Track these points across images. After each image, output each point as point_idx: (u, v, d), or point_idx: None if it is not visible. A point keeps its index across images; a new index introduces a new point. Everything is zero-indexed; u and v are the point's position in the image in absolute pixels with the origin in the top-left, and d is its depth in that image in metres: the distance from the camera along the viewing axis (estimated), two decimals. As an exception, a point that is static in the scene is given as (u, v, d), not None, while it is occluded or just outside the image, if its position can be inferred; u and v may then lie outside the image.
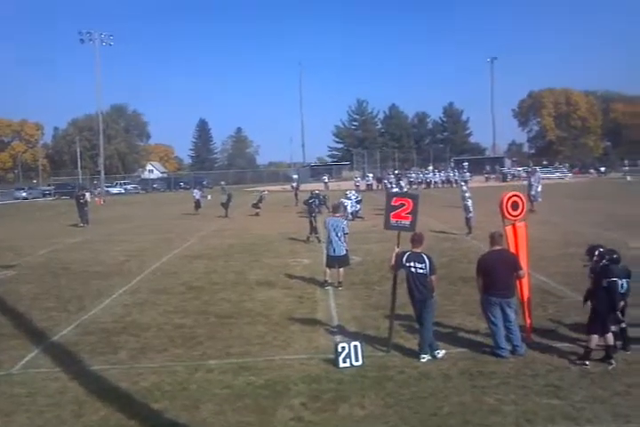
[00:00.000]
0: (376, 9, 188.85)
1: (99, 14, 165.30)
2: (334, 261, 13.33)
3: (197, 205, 35.73)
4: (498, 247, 8.64)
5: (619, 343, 8.38)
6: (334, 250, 13.32)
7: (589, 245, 8.28)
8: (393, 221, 9.03)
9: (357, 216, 28.07)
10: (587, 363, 7.86)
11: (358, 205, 28.74)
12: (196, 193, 36.72)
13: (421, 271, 8.46)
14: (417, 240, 8.72)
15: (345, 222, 13.86)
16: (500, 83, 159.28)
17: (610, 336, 7.97)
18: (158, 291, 13.46)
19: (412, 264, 8.52)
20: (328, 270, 13.43)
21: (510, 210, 9.05)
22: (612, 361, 7.85)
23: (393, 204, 9.08)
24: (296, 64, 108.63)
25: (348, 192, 29.81)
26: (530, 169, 47.60)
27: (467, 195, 21.90)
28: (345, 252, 13.45)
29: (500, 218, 9.25)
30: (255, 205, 33.23)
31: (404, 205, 9.00)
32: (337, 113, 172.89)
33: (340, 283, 13.23)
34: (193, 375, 8.07)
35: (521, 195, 9.25)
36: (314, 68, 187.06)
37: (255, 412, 6.76)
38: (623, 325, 8.54)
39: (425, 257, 8.53)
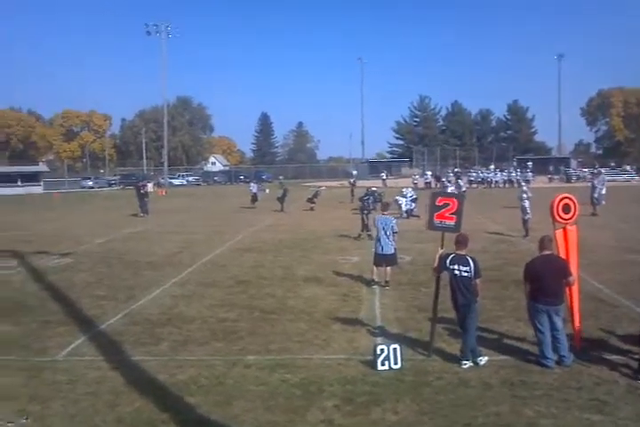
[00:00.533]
0: (439, 6, 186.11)
1: (165, 6, 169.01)
2: (382, 259, 13.18)
3: (254, 198, 36.09)
4: (547, 252, 8.32)
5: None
6: (382, 248, 13.15)
7: None
8: (437, 221, 8.81)
9: (412, 215, 27.72)
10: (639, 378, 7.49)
11: (413, 204, 28.34)
12: (253, 187, 37.14)
13: (465, 274, 8.23)
14: (461, 242, 8.50)
15: (395, 221, 13.60)
16: (568, 80, 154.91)
17: None
18: (207, 284, 13.61)
19: (455, 267, 8.30)
20: (375, 269, 13.30)
21: (562, 213, 8.68)
22: None
23: (437, 204, 8.85)
24: (359, 59, 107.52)
25: (403, 189, 29.48)
26: (595, 171, 46.07)
27: (524, 195, 21.33)
28: (393, 251, 13.26)
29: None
30: (310, 200, 33.38)
31: (448, 204, 8.77)
32: (399, 109, 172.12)
33: (386, 282, 13.09)
34: (230, 370, 8.10)
35: (573, 197, 8.85)
36: (376, 63, 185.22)
37: (286, 411, 6.72)
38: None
39: (470, 259, 8.30)
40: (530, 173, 59.79)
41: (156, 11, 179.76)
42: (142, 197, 31.52)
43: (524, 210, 20.91)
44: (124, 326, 10.34)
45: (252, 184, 38.41)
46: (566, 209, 8.70)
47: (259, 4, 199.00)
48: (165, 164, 79.18)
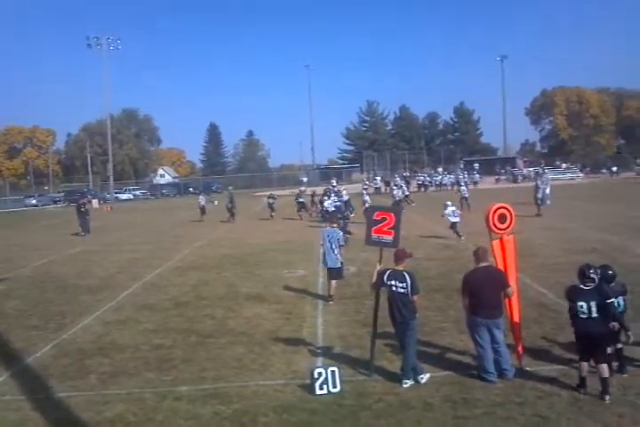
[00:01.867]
0: (383, 8, 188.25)
1: (105, 18, 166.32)
2: (331, 273, 12.95)
3: (203, 211, 35.51)
4: (484, 264, 8.12)
5: (615, 365, 7.85)
6: (328, 262, 12.95)
7: (579, 266, 7.64)
8: (374, 236, 8.56)
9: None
10: (581, 391, 7.31)
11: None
12: (202, 199, 36.53)
13: (402, 291, 7.97)
14: (399, 257, 8.24)
15: (340, 234, 13.41)
16: (511, 82, 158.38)
17: (602, 367, 7.24)
18: (143, 307, 13.07)
19: (392, 282, 8.04)
20: (333, 283, 12.92)
21: (497, 223, 8.49)
22: (607, 397, 7.11)
23: (375, 218, 8.61)
24: (305, 66, 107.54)
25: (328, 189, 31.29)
26: (539, 171, 46.93)
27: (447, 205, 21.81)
28: (339, 265, 13.02)
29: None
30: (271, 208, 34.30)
31: (385, 219, 8.52)
32: (347, 115, 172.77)
33: (330, 296, 12.79)
34: (160, 404, 7.65)
35: (509, 207, 8.68)
36: (323, 70, 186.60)
37: (215, 449, 6.32)
38: (619, 345, 7.99)
39: (407, 275, 8.03)
40: (477, 175, 60.59)
41: (95, 23, 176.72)
42: (83, 215, 30.56)
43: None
44: (51, 359, 9.76)
45: (200, 197, 37.82)
46: (502, 219, 8.50)
47: (202, 12, 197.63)
48: (111, 178, 77.50)
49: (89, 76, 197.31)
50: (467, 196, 33.31)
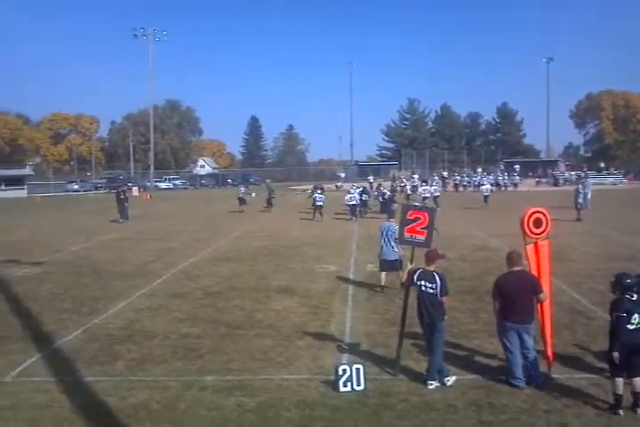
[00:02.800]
0: (431, 7, 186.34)
1: (152, 9, 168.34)
2: (387, 265, 13.38)
3: (242, 201, 36.17)
4: (517, 268, 7.96)
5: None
6: (384, 254, 13.41)
7: (616, 276, 7.41)
8: (407, 235, 8.48)
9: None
10: (619, 413, 6.92)
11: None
12: (242, 190, 37.54)
13: (431, 291, 7.87)
14: (430, 258, 8.14)
15: (397, 227, 13.37)
16: (557, 84, 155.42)
17: (637, 381, 7.00)
18: (175, 295, 13.20)
19: (422, 283, 7.94)
20: (383, 275, 13.39)
21: (532, 227, 8.31)
22: (639, 410, 6.94)
23: (408, 217, 8.52)
24: (348, 63, 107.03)
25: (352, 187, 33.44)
26: (581, 174, 46.01)
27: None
28: (397, 256, 13.23)
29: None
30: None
31: (419, 219, 8.42)
32: (389, 112, 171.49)
33: (382, 287, 13.27)
34: (185, 393, 7.69)
35: (545, 211, 8.49)
36: (366, 66, 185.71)
37: (236, 441, 6.34)
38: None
39: (437, 276, 7.93)
40: (517, 177, 59.67)
41: (143, 14, 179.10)
42: (122, 202, 31.06)
43: None
44: (81, 343, 9.92)
45: (241, 188, 38.82)
46: (537, 223, 8.32)
47: (247, 7, 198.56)
48: (152, 167, 78.65)
49: (134, 66, 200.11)
50: (487, 195, 36.69)
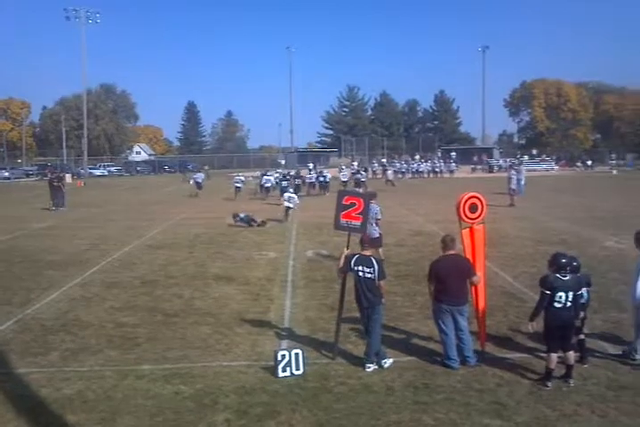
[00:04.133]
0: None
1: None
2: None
3: (198, 186, 37.81)
4: (451, 252, 8.13)
5: (576, 355, 7.94)
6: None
7: (553, 255, 7.69)
8: (343, 221, 8.54)
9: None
10: (548, 385, 7.29)
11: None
12: (199, 176, 39.51)
13: (369, 276, 7.96)
14: (366, 242, 8.24)
15: (378, 208, 14.42)
16: (492, 72, 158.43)
17: (570, 355, 7.40)
18: (111, 284, 12.93)
19: (359, 268, 8.02)
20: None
21: (468, 212, 8.50)
22: (571, 381, 7.34)
23: (343, 203, 8.57)
24: (287, 48, 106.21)
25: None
26: (515, 161, 47.34)
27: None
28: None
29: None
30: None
31: (354, 204, 8.50)
32: (329, 99, 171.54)
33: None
34: (121, 382, 7.57)
35: (480, 196, 8.69)
36: (305, 53, 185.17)
37: (173, 429, 6.28)
38: (582, 336, 8.09)
39: (374, 261, 8.03)
40: (453, 164, 60.81)
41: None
42: (55, 189, 30.12)
43: None
44: (13, 334, 9.61)
45: (198, 174, 40.95)
46: (473, 208, 8.51)
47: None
48: (85, 153, 76.52)
49: (67, 49, 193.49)
50: (390, 179, 43.50)
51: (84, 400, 7.05)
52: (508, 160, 65.75)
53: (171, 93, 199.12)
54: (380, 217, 14.49)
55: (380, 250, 14.32)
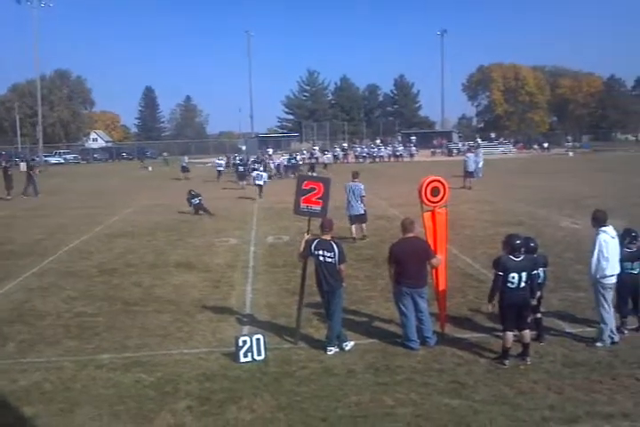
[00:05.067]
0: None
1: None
2: (355, 219, 15.59)
3: (185, 170, 39.41)
4: (409, 235, 8.18)
5: (533, 334, 8.10)
6: (354, 209, 15.54)
7: (506, 237, 7.80)
8: (303, 205, 8.54)
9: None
10: (505, 363, 7.44)
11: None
12: (184, 159, 41.30)
13: (330, 260, 7.97)
14: (327, 226, 8.22)
15: (362, 186, 15.76)
16: (450, 56, 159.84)
17: (526, 333, 7.54)
18: (68, 274, 12.73)
19: (320, 252, 8.02)
20: (353, 228, 15.48)
21: (430, 196, 8.54)
22: (528, 359, 7.50)
23: (303, 187, 8.56)
24: (246, 32, 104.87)
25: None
26: (473, 144, 47.88)
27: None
28: (363, 211, 15.71)
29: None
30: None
31: (314, 189, 8.49)
32: (289, 83, 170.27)
33: (364, 236, 15.64)
34: (80, 372, 7.48)
35: (443, 180, 8.74)
36: (265, 37, 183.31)
37: (133, 417, 6.22)
38: (539, 315, 8.26)
39: (334, 245, 8.03)
40: (413, 147, 61.17)
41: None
42: (9, 178, 29.46)
43: None
44: (-32, 327, 9.40)
45: (184, 157, 43.12)
46: (435, 192, 8.55)
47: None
48: (40, 141, 74.52)
49: (18, 33, 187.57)
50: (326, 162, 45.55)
51: (42, 392, 6.95)
52: (465, 144, 66.38)
53: (127, 78, 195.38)
54: (364, 194, 15.76)
55: (364, 225, 15.80)
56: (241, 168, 34.42)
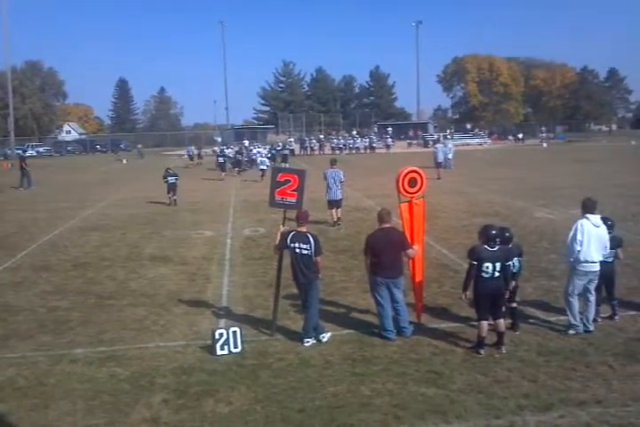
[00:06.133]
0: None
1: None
2: (334, 204, 16.71)
3: (191, 158, 44.76)
4: (386, 225, 8.19)
5: (508, 323, 8.18)
6: (333, 194, 16.68)
7: (482, 228, 7.84)
8: (278, 198, 8.52)
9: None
10: (480, 352, 7.51)
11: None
12: (191, 149, 47.50)
13: (306, 252, 7.95)
14: (302, 219, 8.21)
15: (342, 173, 17.02)
16: (425, 48, 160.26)
17: (501, 322, 7.61)
18: (41, 268, 12.55)
19: (296, 245, 8.00)
20: (333, 212, 16.70)
21: (407, 187, 8.55)
22: (503, 348, 7.57)
23: (278, 180, 8.52)
24: (220, 22, 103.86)
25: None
26: (445, 136, 48.23)
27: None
28: (341, 196, 16.91)
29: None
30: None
31: (289, 181, 8.46)
32: (265, 75, 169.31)
33: (339, 219, 16.72)
34: (54, 367, 7.39)
35: (420, 171, 8.75)
36: (239, 28, 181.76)
37: (109, 411, 6.16)
38: (514, 304, 8.33)
39: (310, 237, 8.01)
40: (389, 139, 61.28)
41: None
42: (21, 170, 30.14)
43: None
44: (-63, 322, 9.23)
45: (191, 147, 47.91)
46: (412, 183, 8.56)
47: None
48: (12, 133, 73.33)
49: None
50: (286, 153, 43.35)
51: (16, 387, 6.87)
52: (438, 135, 66.67)
53: (100, 70, 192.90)
54: (343, 180, 16.94)
55: (340, 210, 16.84)
56: (221, 159, 35.01)
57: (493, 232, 7.61)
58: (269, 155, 42.21)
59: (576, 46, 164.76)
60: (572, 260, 8.02)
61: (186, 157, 47.42)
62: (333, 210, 16.69)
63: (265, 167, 31.35)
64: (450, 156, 33.21)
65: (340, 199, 16.81)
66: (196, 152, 47.20)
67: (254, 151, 41.67)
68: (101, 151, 77.54)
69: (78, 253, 13.85)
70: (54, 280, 11.55)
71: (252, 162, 39.39)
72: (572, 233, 7.99)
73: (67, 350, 7.92)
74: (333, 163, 17.54)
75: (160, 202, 22.33)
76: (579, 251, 7.90)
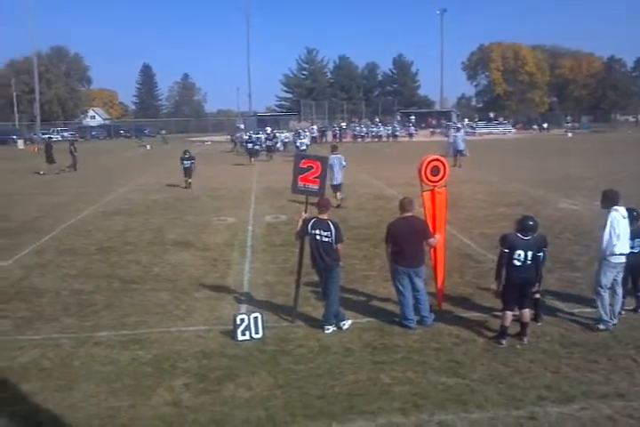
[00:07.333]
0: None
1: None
2: (336, 188, 17.54)
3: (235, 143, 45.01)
4: (407, 214, 8.15)
5: (531, 314, 8.11)
6: (336, 180, 17.52)
7: (520, 218, 7.77)
8: (300, 184, 8.50)
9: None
10: (502, 342, 7.46)
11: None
12: (238, 136, 47.17)
13: (326, 240, 7.94)
14: (323, 206, 8.18)
15: (343, 157, 18.04)
16: (450, 35, 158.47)
17: (526, 312, 7.57)
18: (65, 251, 12.70)
19: (316, 232, 7.99)
20: (338, 195, 17.50)
21: (430, 175, 8.51)
22: (525, 339, 7.52)
23: (301, 166, 8.50)
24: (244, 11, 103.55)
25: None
26: (458, 125, 47.82)
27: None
28: (342, 180, 17.81)
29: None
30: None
31: (312, 168, 8.43)
32: (288, 62, 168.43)
33: (341, 199, 17.64)
34: (78, 350, 7.48)
35: (443, 159, 8.68)
36: (264, 14, 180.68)
37: (131, 394, 6.24)
38: (537, 295, 8.26)
39: (331, 224, 7.99)
40: (412, 127, 60.89)
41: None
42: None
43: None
44: (-35, 303, 9.40)
45: (237, 134, 48.22)
46: (435, 171, 8.51)
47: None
48: (38, 118, 74.06)
49: (13, 9, 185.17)
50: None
51: (40, 368, 6.96)
52: (454, 123, 66.07)
53: (125, 56, 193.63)
54: (345, 165, 17.96)
55: (339, 193, 17.58)
56: (250, 145, 35.40)
57: (531, 223, 7.55)
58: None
59: (603, 35, 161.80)
60: (607, 253, 7.90)
61: (233, 143, 48.35)
62: (337, 193, 17.52)
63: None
64: (462, 146, 32.82)
65: (341, 184, 17.82)
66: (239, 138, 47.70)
67: (282, 136, 44.68)
68: (125, 137, 78.09)
69: (102, 238, 13.99)
70: (78, 264, 11.67)
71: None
72: (608, 227, 7.84)
73: (90, 333, 8.01)
74: (334, 149, 18.57)
75: (181, 188, 22.44)
76: (614, 245, 7.80)
